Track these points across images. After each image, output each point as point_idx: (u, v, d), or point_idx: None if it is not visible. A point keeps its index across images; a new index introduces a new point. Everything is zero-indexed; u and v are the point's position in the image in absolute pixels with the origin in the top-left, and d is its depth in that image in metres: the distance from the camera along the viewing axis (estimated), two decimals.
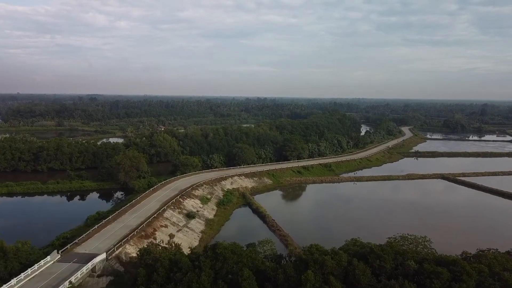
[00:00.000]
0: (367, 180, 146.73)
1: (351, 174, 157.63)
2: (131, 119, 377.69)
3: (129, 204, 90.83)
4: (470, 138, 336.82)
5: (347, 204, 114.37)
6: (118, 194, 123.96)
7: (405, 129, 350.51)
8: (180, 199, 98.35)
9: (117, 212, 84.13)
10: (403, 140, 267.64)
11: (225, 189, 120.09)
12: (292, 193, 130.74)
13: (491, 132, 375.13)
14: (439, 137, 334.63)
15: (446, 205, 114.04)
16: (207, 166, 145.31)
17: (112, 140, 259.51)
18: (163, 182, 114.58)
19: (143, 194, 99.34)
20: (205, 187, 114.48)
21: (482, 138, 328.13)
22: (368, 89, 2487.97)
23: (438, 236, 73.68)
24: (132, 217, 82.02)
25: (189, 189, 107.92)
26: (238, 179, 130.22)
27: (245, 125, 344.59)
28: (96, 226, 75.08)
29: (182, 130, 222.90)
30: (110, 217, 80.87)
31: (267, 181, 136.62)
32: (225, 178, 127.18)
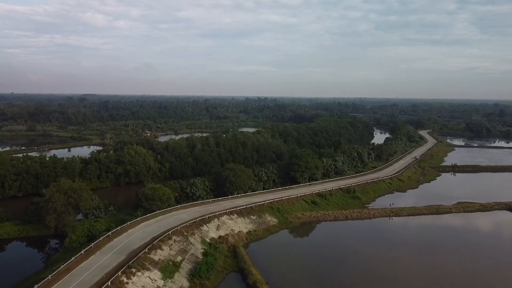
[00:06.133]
0: (408, 215, 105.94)
1: (383, 202, 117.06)
2: (116, 122, 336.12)
3: None
4: (497, 143, 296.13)
5: (395, 266, 73.24)
6: (52, 244, 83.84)
7: (423, 133, 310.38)
8: (124, 278, 57.44)
9: None
10: (429, 148, 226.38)
11: (207, 240, 79.39)
12: (306, 240, 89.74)
13: None
14: (461, 142, 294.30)
15: None
16: (186, 197, 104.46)
17: (92, 148, 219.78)
18: (109, 234, 73.60)
19: (58, 270, 58.31)
20: (174, 241, 73.61)
21: None
22: (369, 89, 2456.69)
23: None
24: None
25: (147, 249, 67.12)
26: (227, 220, 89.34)
27: (243, 129, 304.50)
28: None
29: (164, 140, 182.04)
30: None
31: (270, 219, 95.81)
32: (208, 220, 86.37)
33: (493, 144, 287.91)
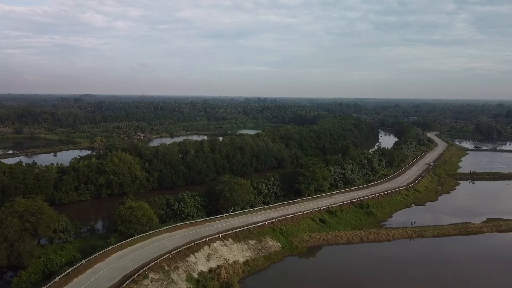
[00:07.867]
0: (433, 235, 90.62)
1: (401, 219, 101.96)
2: (109, 124, 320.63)
3: None
4: (510, 146, 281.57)
5: None
6: (7, 277, 68.53)
7: (432, 136, 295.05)
8: None
9: None
10: (441, 153, 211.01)
11: (195, 275, 64.00)
12: (316, 271, 74.09)
13: None
14: (471, 145, 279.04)
15: None
16: (173, 215, 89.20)
17: (83, 152, 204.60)
18: (69, 270, 58.25)
19: None
20: (151, 280, 58.21)
21: None
22: (369, 89, 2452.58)
23: None
24: None
25: None
26: (220, 247, 73.94)
27: (242, 131, 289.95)
28: None
29: (158, 143, 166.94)
30: None
31: (272, 244, 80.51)
32: (197, 248, 70.89)
33: (505, 147, 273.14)
